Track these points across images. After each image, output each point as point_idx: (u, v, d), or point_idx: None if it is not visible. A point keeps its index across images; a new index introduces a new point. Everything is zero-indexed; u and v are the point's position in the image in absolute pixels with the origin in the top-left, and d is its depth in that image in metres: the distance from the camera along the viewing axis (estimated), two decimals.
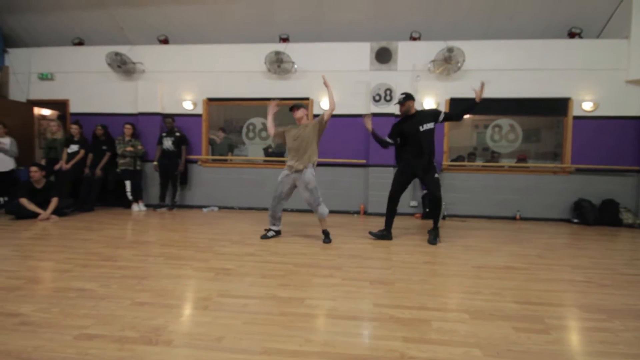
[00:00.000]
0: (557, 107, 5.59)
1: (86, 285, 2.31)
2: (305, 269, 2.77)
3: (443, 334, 1.72)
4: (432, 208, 4.02)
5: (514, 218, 5.68)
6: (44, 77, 6.44)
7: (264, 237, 3.87)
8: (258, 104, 6.20)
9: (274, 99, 3.96)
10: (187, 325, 1.78)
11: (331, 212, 5.84)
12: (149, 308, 1.97)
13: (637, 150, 5.45)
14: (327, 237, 3.80)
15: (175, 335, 1.66)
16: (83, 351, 1.52)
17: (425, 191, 5.69)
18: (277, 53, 5.71)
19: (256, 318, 1.87)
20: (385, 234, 3.96)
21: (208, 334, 1.68)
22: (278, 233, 4.00)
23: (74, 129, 5.72)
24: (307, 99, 5.99)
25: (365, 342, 1.64)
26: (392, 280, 2.52)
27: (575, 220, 5.44)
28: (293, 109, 3.75)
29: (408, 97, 3.83)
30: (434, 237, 3.81)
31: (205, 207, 6.16)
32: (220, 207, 6.18)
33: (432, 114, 3.84)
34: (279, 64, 5.79)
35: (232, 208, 6.18)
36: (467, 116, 3.81)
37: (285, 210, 5.87)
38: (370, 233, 4.02)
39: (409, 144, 3.83)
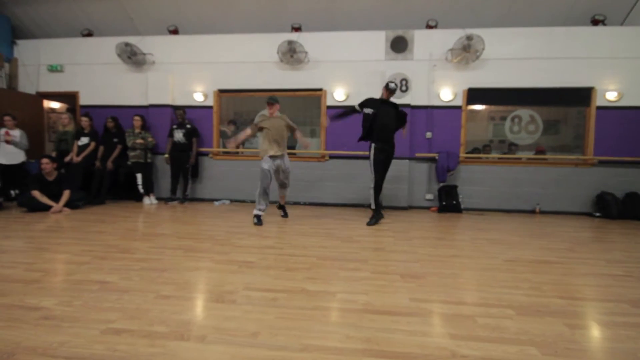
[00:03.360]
0: (580, 97, 5.41)
1: (107, 277, 2.22)
2: (330, 262, 2.67)
3: (491, 331, 1.60)
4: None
5: (533, 211, 5.53)
6: (53, 69, 6.36)
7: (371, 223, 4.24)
8: (270, 95, 6.05)
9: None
10: (218, 320, 1.68)
11: (346, 205, 5.79)
12: (175, 301, 1.88)
13: None
14: (286, 213, 4.64)
15: (207, 331, 1.56)
16: (112, 347, 1.42)
17: (442, 184, 5.57)
18: (290, 42, 5.57)
19: (289, 312, 1.77)
20: (380, 215, 4.42)
21: (241, 329, 1.58)
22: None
23: (84, 121, 5.65)
24: (320, 89, 5.86)
25: (410, 339, 1.53)
26: (423, 274, 2.41)
27: (597, 214, 5.28)
28: (273, 103, 4.17)
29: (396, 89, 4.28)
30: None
31: (216, 200, 6.07)
32: (232, 200, 6.09)
33: (405, 119, 4.46)
34: (291, 54, 5.65)
35: (243, 201, 6.09)
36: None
37: (297, 203, 5.80)
38: (370, 225, 4.24)
39: (381, 127, 4.20)
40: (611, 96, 5.32)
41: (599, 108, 5.37)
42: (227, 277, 2.28)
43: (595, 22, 5.52)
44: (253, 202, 6.02)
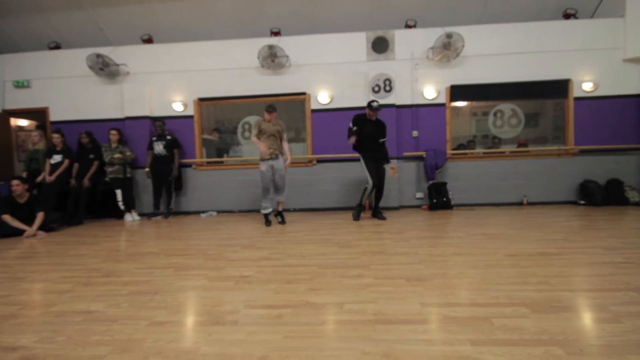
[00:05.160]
0: (558, 89, 5.55)
1: (91, 306, 2.04)
2: (331, 270, 2.56)
3: (511, 333, 1.54)
4: (380, 193, 4.73)
5: (520, 204, 5.61)
6: (19, 85, 6.01)
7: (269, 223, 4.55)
8: (252, 102, 5.94)
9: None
10: (221, 345, 1.54)
11: (337, 208, 5.70)
12: (171, 328, 1.72)
13: (638, 129, 5.45)
14: (284, 219, 4.65)
15: (210, 359, 1.42)
16: None
17: (431, 181, 5.57)
18: (271, 47, 5.46)
19: (297, 330, 1.65)
20: (361, 208, 4.83)
21: (248, 354, 1.45)
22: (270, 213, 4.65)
23: (56, 138, 5.34)
24: (303, 93, 5.77)
25: (431, 349, 1.44)
26: (428, 276, 2.33)
27: (582, 202, 5.40)
28: (271, 110, 4.45)
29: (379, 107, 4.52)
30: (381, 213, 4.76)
31: (203, 212, 5.86)
32: (218, 212, 5.90)
33: (385, 129, 4.69)
34: (272, 59, 5.54)
35: (231, 212, 5.91)
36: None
37: (287, 210, 5.67)
38: (356, 219, 4.70)
39: (367, 140, 4.60)
40: (587, 87, 5.48)
41: (576, 99, 5.52)
42: (225, 296, 2.13)
43: (567, 16, 5.69)
44: (241, 212, 5.87)
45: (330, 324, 1.72)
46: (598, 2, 5.72)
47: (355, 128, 4.52)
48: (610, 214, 4.60)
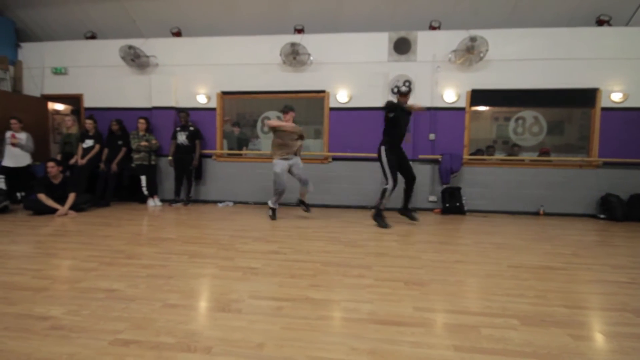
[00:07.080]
0: (585, 98, 5.37)
1: (114, 285, 2.25)
2: (334, 268, 2.68)
3: (496, 343, 1.61)
4: (409, 189, 4.51)
5: (537, 213, 5.52)
6: (57, 72, 6.40)
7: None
8: (273, 97, 6.08)
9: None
10: (224, 330, 1.69)
11: (349, 207, 5.80)
12: (182, 311, 1.90)
13: None
14: (308, 207, 4.92)
15: (213, 342, 1.58)
16: (120, 359, 1.44)
17: (445, 185, 5.56)
18: (293, 44, 5.56)
19: (294, 322, 1.78)
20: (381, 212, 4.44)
21: (247, 340, 1.60)
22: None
23: (88, 123, 5.68)
24: (323, 91, 5.86)
25: (415, 351, 1.54)
26: (427, 281, 2.41)
27: (602, 216, 5.25)
28: (289, 111, 4.58)
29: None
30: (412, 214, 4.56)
31: (220, 202, 6.10)
32: (235, 202, 6.12)
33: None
34: (294, 56, 5.64)
35: (246, 203, 6.11)
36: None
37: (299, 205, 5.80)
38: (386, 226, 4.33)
39: (398, 128, 4.25)
40: (616, 97, 5.28)
41: (604, 109, 5.33)
42: (232, 285, 2.30)
43: (600, 23, 5.47)
44: (256, 203, 6.06)
45: (325, 319, 1.84)
46: (635, 9, 5.47)
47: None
48: (629, 230, 4.48)
